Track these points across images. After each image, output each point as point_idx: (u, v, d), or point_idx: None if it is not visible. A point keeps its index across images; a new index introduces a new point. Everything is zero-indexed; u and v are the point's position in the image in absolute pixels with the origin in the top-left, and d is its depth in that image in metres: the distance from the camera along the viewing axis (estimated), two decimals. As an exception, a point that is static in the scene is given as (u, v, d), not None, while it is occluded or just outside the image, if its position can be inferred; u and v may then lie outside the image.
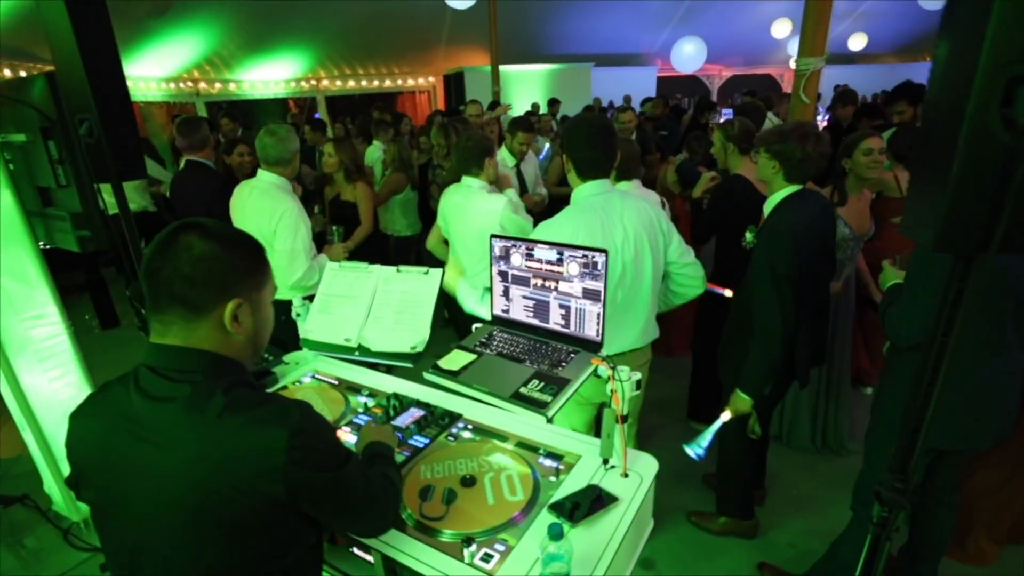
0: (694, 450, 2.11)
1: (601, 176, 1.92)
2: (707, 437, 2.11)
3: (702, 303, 2.97)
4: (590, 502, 1.23)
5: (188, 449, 0.88)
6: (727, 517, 2.52)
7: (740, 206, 2.69)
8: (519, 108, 9.18)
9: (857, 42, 12.11)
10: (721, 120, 6.21)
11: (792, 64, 11.78)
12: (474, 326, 1.63)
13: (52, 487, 2.64)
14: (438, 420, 1.56)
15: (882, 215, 3.15)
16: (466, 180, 2.72)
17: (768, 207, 2.14)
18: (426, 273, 1.79)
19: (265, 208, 2.61)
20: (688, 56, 11.26)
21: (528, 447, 1.43)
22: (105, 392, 1.00)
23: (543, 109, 8.66)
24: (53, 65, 1.87)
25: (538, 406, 1.24)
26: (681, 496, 2.73)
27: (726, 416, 2.12)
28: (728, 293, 2.39)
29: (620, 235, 1.85)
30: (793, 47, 10.95)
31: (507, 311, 1.58)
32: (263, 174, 2.70)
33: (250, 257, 1.00)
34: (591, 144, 1.89)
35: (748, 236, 2.21)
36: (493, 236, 1.54)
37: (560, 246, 1.41)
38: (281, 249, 2.58)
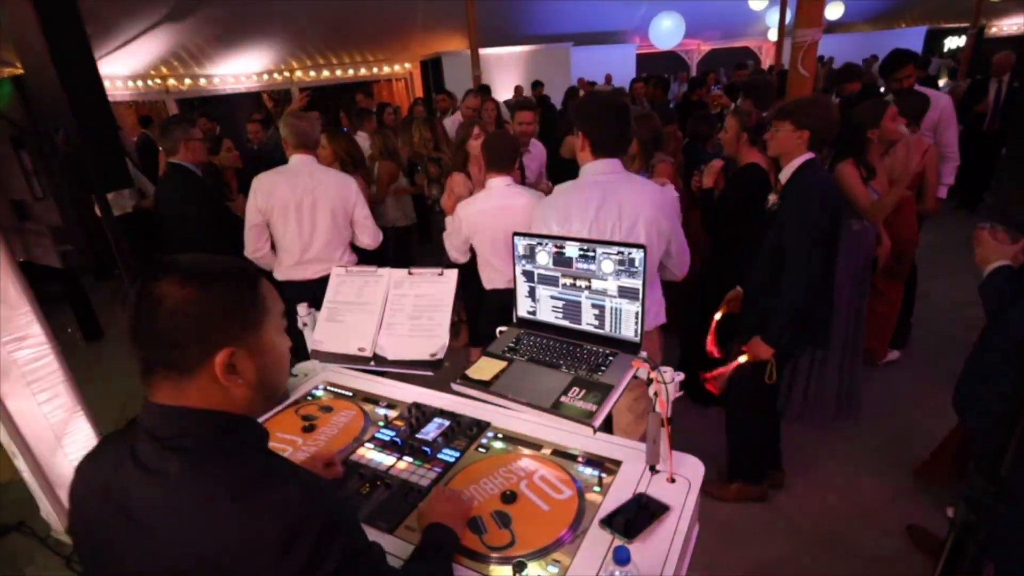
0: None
1: (616, 155, 1.88)
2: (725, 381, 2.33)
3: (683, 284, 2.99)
4: (642, 513, 1.16)
5: (171, 537, 0.76)
6: (739, 483, 2.56)
7: (756, 196, 2.65)
8: (501, 92, 9.01)
9: (834, 11, 12.07)
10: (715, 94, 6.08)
11: (771, 36, 11.75)
12: (498, 330, 1.55)
13: (50, 513, 2.52)
14: (465, 431, 1.47)
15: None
16: (494, 181, 2.58)
17: (786, 173, 2.23)
18: (440, 275, 1.70)
19: (340, 184, 2.83)
20: (666, 31, 11.17)
21: (565, 455, 1.36)
22: (105, 449, 0.88)
23: (527, 93, 8.51)
24: (19, 69, 1.73)
25: (583, 416, 1.16)
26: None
27: (743, 359, 2.26)
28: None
29: (613, 218, 1.82)
30: (772, 18, 10.88)
31: (533, 313, 1.50)
32: (304, 158, 2.79)
33: (234, 293, 0.82)
34: (613, 121, 1.86)
35: (772, 199, 2.29)
36: (515, 234, 1.45)
37: (593, 242, 1.33)
38: (363, 215, 2.89)
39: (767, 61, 13.15)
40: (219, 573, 0.74)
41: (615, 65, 11.52)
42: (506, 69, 10.69)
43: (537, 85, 8.67)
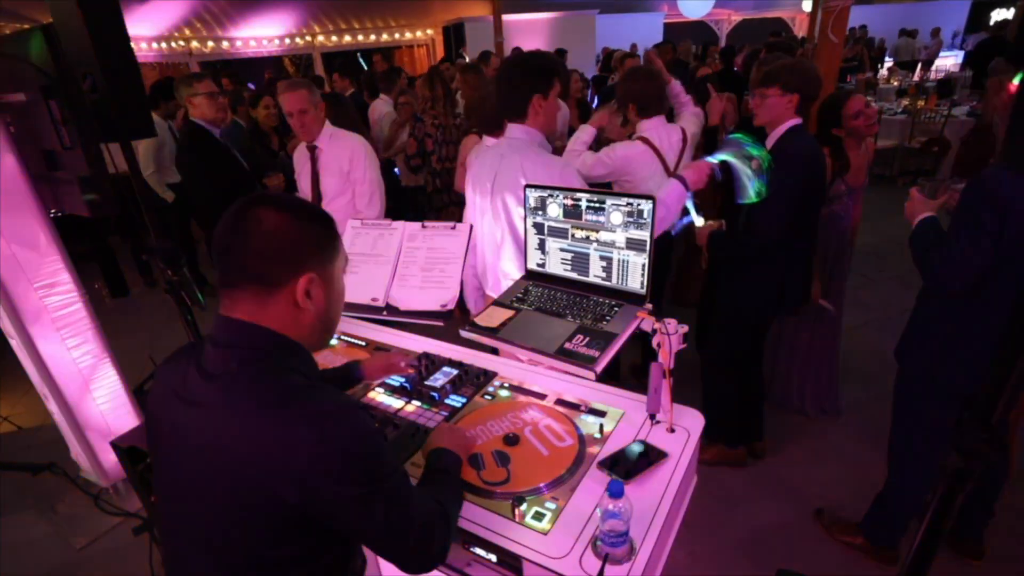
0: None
1: (516, 119, 1.79)
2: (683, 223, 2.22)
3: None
4: (639, 458, 1.20)
5: (225, 434, 0.84)
6: (719, 446, 2.61)
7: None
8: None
9: (873, -20, 11.60)
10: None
11: (805, 6, 11.31)
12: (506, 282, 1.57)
13: (79, 454, 2.65)
14: (473, 379, 1.52)
15: None
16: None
17: (770, 140, 2.19)
18: (453, 228, 1.73)
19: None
20: (696, 0, 10.84)
21: (569, 404, 1.39)
22: (176, 360, 0.98)
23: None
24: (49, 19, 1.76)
25: (585, 361, 1.19)
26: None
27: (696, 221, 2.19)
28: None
29: (487, 185, 1.84)
30: (807, -13, 10.48)
31: (543, 265, 1.52)
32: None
33: (322, 229, 0.95)
34: (502, 85, 1.79)
35: None
36: (527, 186, 1.46)
37: (603, 194, 1.34)
38: None
39: (800, 33, 12.71)
40: (257, 472, 0.82)
41: (641, 34, 11.26)
42: (529, 36, 10.51)
43: (561, 54, 8.52)
